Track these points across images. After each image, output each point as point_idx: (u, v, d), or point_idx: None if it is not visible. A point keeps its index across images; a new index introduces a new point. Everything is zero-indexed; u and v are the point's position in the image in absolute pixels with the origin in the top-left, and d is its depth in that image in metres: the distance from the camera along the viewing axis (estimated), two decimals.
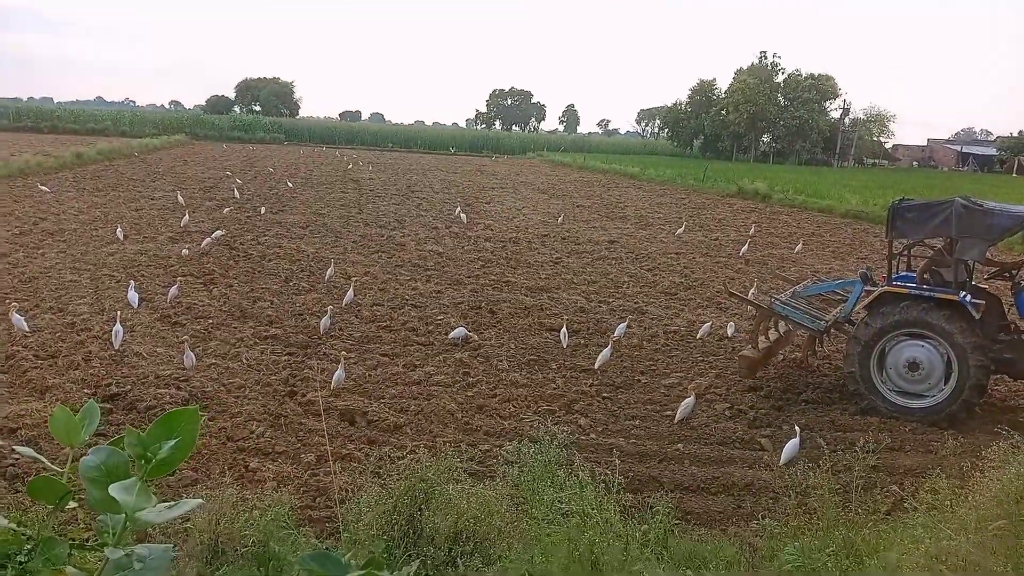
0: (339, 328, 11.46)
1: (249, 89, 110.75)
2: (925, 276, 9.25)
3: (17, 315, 9.97)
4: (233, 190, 27.30)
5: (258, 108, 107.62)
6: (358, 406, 8.47)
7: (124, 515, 1.75)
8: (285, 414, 8.24)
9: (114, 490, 1.64)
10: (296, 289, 13.89)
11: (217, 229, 18.44)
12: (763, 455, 7.89)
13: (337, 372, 8.89)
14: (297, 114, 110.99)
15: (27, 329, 9.97)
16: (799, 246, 21.10)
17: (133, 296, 11.73)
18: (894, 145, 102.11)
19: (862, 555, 4.53)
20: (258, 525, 4.53)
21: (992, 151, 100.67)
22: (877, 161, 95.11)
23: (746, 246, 20.33)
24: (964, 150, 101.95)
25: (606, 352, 10.20)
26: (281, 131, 78.79)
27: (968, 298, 8.79)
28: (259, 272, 15.09)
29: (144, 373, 9.03)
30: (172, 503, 1.80)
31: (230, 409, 8.23)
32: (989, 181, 61.93)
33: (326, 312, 11.35)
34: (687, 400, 8.60)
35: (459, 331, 11.15)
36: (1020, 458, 5.23)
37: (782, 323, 10.62)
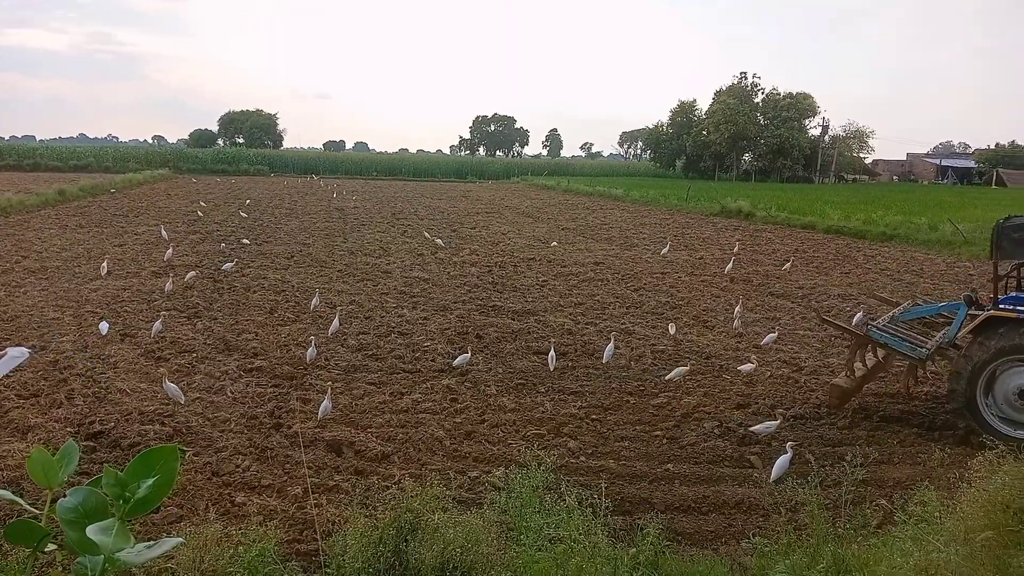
0: (325, 358, 11.41)
1: (232, 122, 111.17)
2: None
3: None
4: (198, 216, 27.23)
5: (242, 141, 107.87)
6: (345, 436, 8.41)
7: (102, 557, 1.73)
8: (271, 447, 8.16)
9: (92, 531, 1.62)
10: (281, 320, 13.83)
11: (227, 262, 19.02)
12: (753, 472, 7.89)
13: (324, 403, 8.84)
14: (281, 145, 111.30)
15: None
16: (787, 264, 21.20)
17: (104, 325, 12.15)
18: (874, 160, 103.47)
19: (852, 571, 4.53)
20: (243, 561, 4.48)
21: (971, 163, 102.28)
22: (857, 177, 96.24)
23: (731, 264, 20.46)
24: (943, 163, 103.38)
25: (681, 369, 10.71)
26: (265, 163, 79.04)
27: None
28: (243, 304, 15.03)
29: (128, 409, 8.93)
30: (151, 543, 1.79)
31: (215, 443, 8.15)
32: (970, 193, 62.88)
33: (311, 342, 11.32)
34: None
35: (463, 357, 11.15)
36: (1006, 468, 5.27)
37: (873, 349, 10.15)
